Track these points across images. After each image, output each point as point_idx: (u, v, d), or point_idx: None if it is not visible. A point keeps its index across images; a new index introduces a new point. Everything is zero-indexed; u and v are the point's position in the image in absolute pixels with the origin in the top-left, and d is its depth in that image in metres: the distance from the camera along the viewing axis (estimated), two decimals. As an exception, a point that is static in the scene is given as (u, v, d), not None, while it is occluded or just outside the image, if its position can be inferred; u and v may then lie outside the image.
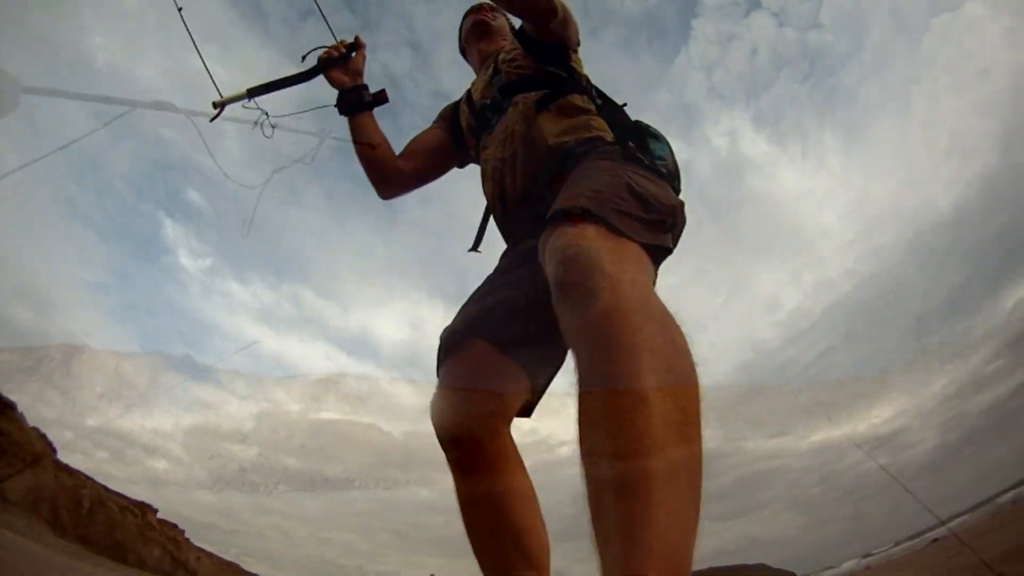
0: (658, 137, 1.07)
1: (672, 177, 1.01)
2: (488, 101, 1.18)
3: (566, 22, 1.04)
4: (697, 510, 0.53)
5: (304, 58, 1.19)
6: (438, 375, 0.98)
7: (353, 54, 1.24)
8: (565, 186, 0.87)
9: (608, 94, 1.16)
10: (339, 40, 1.23)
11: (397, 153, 1.28)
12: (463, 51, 1.45)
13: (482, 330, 0.97)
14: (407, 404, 32.01)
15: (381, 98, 1.24)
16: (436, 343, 1.02)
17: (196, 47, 1.10)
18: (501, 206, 1.12)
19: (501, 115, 1.12)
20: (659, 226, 0.83)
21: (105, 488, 31.52)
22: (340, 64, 1.22)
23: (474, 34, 1.38)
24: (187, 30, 1.10)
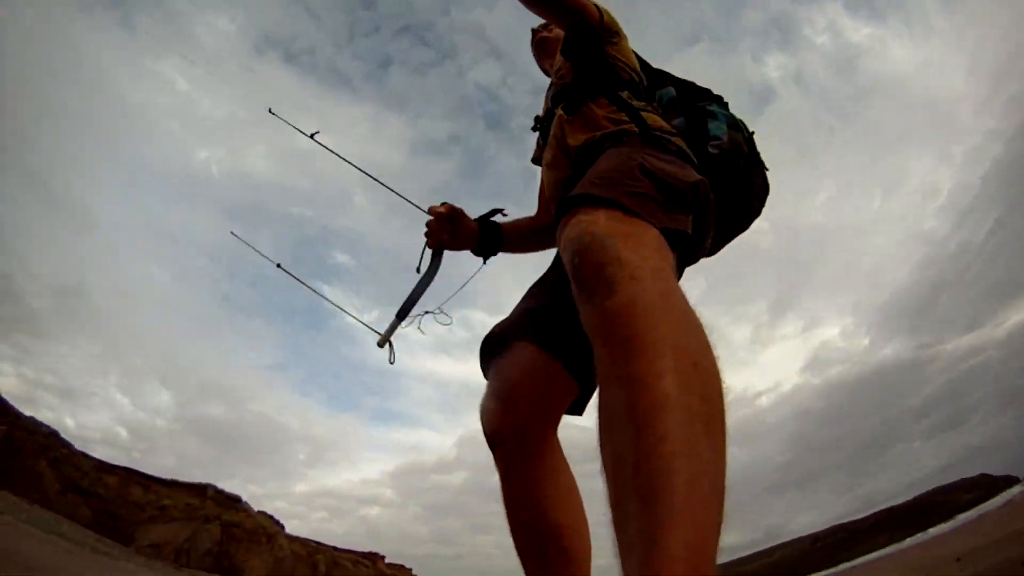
0: (715, 116, 1.08)
1: (727, 156, 1.02)
2: (543, 113, 1.25)
3: (584, 10, 1.07)
4: (722, 512, 0.50)
5: (419, 268, 1.20)
6: (485, 377, 0.99)
7: (450, 220, 1.20)
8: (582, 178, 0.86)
9: (650, 64, 1.22)
10: (429, 211, 1.21)
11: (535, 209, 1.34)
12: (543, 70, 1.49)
13: (524, 331, 0.97)
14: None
15: (496, 216, 1.26)
16: None
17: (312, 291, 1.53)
18: (549, 210, 1.18)
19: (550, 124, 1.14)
20: (677, 207, 0.79)
21: (335, 548, 34.93)
22: (451, 234, 1.19)
23: (537, 52, 1.43)
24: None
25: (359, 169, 1.31)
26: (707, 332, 0.60)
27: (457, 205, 1.20)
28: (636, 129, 0.95)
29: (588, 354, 0.83)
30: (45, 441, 22.87)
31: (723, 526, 0.50)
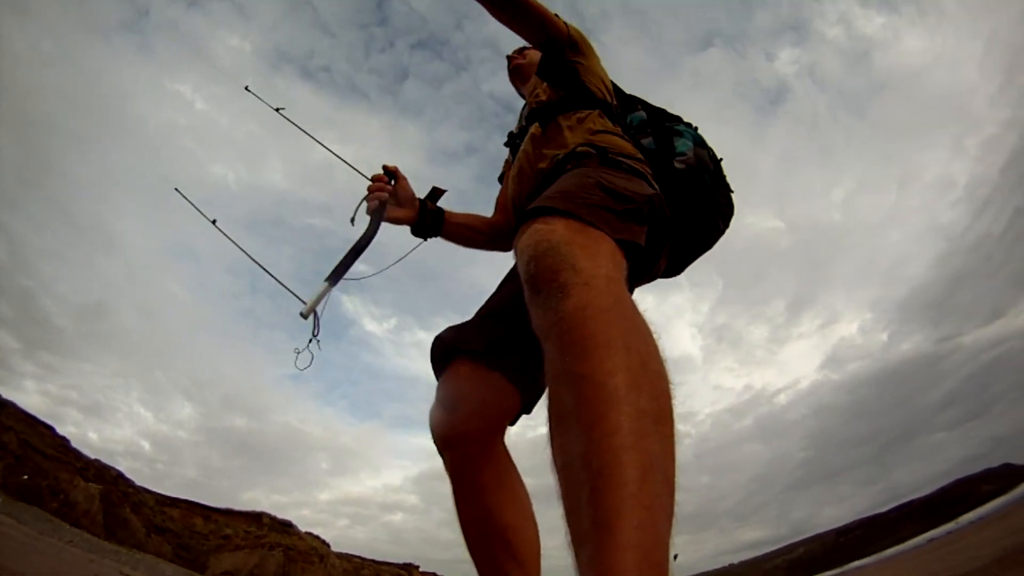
0: (681, 134, 1.14)
1: (693, 171, 1.07)
2: (516, 131, 1.28)
3: (553, 26, 1.11)
4: (673, 504, 0.53)
5: (353, 220, 1.17)
6: (437, 380, 1.02)
7: (393, 183, 1.21)
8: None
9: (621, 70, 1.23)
10: (371, 178, 1.20)
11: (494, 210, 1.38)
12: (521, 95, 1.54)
13: (472, 340, 1.00)
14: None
15: (438, 195, 1.27)
16: None
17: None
18: (510, 220, 1.21)
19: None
20: (632, 217, 0.82)
21: (374, 561, 37.74)
22: (391, 203, 1.19)
23: (513, 79, 1.50)
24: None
25: (318, 142, 1.33)
26: (656, 337, 0.62)
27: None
28: (594, 151, 0.98)
29: (530, 367, 0.94)
30: (126, 489, 25.48)
31: (675, 518, 0.51)
